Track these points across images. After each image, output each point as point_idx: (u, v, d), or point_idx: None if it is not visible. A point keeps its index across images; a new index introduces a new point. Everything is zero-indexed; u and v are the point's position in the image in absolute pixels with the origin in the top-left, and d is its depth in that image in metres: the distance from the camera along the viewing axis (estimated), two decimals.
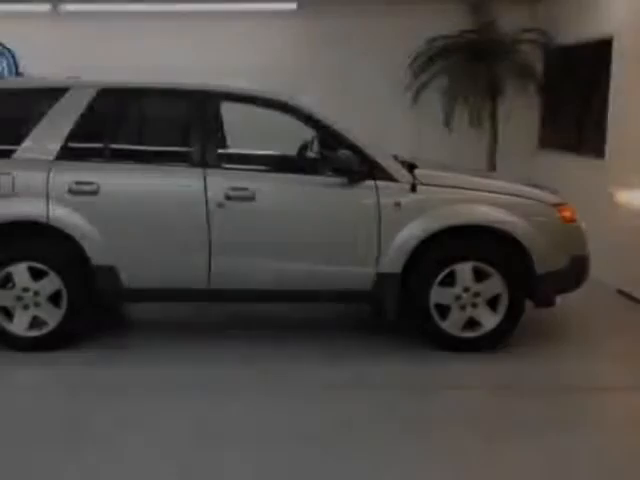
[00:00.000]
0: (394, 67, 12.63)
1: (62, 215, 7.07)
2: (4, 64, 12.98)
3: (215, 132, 7.70)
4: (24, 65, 12.67)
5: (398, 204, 7.12)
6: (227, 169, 7.36)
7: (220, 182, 7.12)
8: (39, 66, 11.01)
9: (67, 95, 7.30)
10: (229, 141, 8.67)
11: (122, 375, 6.85)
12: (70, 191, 7.08)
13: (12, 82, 8.40)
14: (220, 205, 7.08)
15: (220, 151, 7.67)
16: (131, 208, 7.16)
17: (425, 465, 5.24)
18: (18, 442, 5.54)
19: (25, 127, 7.32)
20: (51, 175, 7.11)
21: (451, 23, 12.47)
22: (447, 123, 12.61)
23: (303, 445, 5.48)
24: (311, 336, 7.85)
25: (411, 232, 7.11)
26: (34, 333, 7.25)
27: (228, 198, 7.08)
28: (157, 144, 7.85)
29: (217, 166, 7.26)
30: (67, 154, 7.22)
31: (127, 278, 7.20)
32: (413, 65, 12.63)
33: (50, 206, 7.06)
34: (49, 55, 12.15)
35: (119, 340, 7.76)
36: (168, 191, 7.21)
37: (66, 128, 7.23)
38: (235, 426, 5.82)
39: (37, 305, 7.20)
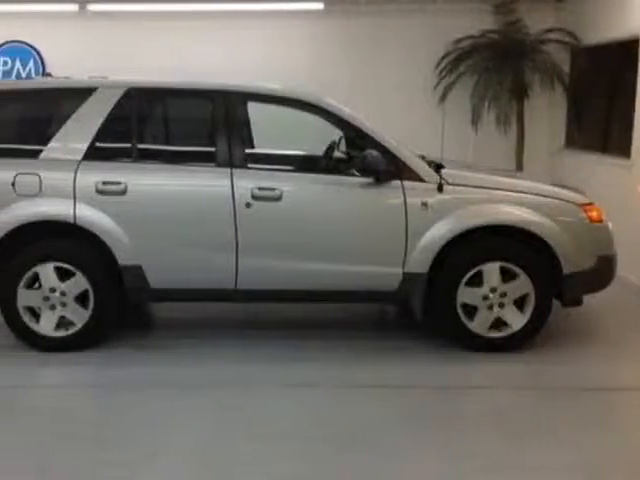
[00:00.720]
0: (421, 66, 12.65)
1: (89, 215, 7.09)
2: (31, 64, 13.06)
3: (242, 132, 7.68)
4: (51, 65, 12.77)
5: (425, 204, 7.10)
6: (254, 169, 7.33)
7: (247, 182, 7.12)
8: (66, 66, 11.01)
9: (95, 95, 7.31)
10: (256, 141, 8.66)
11: (147, 374, 6.88)
12: (97, 191, 7.10)
13: (39, 82, 8.38)
14: (247, 205, 7.08)
15: (247, 151, 7.64)
16: (158, 208, 7.17)
17: (451, 464, 5.22)
18: (48, 442, 5.57)
19: (52, 127, 7.35)
20: (78, 175, 7.12)
21: (478, 23, 12.45)
22: (474, 123, 12.59)
23: (327, 445, 5.48)
24: (335, 336, 7.86)
25: (438, 232, 7.09)
26: (61, 333, 7.27)
27: (255, 198, 7.08)
28: (184, 144, 7.91)
29: (244, 166, 7.25)
30: (94, 154, 7.23)
31: (154, 278, 7.21)
32: (440, 65, 12.63)
33: (77, 206, 7.08)
34: (76, 55, 12.24)
35: (144, 340, 7.80)
36: (195, 191, 7.22)
37: (93, 128, 7.24)
38: (259, 426, 5.82)
39: (64, 305, 7.21)
